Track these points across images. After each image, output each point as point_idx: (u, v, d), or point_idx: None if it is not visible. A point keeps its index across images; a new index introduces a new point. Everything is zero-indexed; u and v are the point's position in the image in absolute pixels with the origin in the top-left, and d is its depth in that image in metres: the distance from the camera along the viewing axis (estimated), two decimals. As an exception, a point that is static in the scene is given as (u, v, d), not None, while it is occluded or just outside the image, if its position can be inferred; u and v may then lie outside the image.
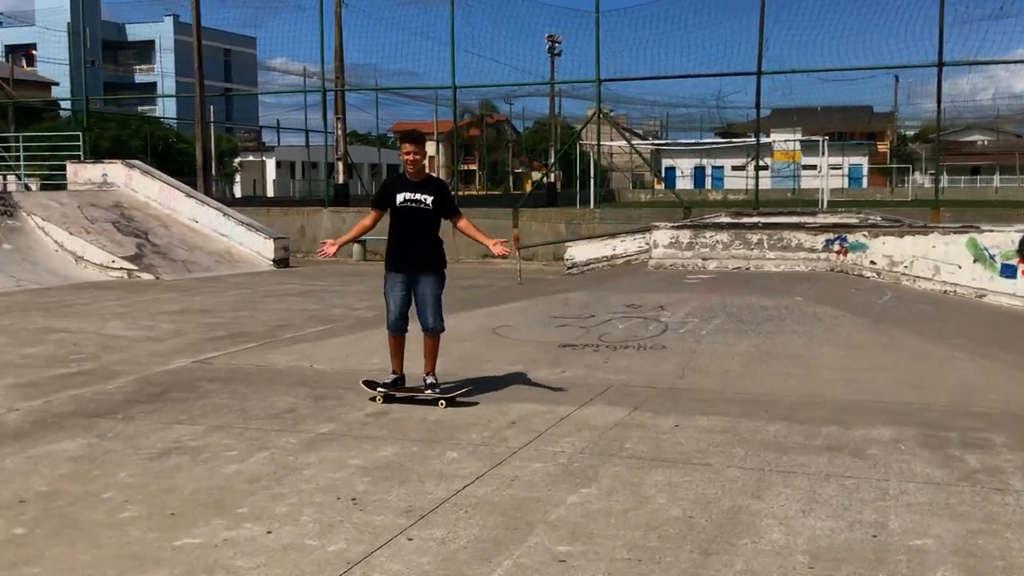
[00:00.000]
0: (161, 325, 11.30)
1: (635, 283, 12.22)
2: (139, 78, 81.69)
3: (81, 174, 21.27)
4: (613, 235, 17.17)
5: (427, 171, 7.16)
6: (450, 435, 6.29)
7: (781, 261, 13.25)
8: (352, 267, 20.49)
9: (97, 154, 35.93)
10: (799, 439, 6.16)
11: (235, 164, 55.50)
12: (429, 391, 7.15)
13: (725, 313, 9.87)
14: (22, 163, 24.03)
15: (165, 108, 70.22)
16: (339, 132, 26.89)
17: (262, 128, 58.10)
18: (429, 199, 7.03)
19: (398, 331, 7.21)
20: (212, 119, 47.99)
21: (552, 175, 57.94)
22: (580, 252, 16.98)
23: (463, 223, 7.18)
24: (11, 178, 27.72)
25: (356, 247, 22.01)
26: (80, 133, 23.88)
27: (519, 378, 7.90)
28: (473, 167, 77.01)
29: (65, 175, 21.83)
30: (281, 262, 19.90)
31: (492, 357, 8.62)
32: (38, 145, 28.95)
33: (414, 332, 7.27)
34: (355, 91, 38.27)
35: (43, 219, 17.90)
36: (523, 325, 9.83)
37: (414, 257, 7.03)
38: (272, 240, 19.87)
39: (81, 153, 23.04)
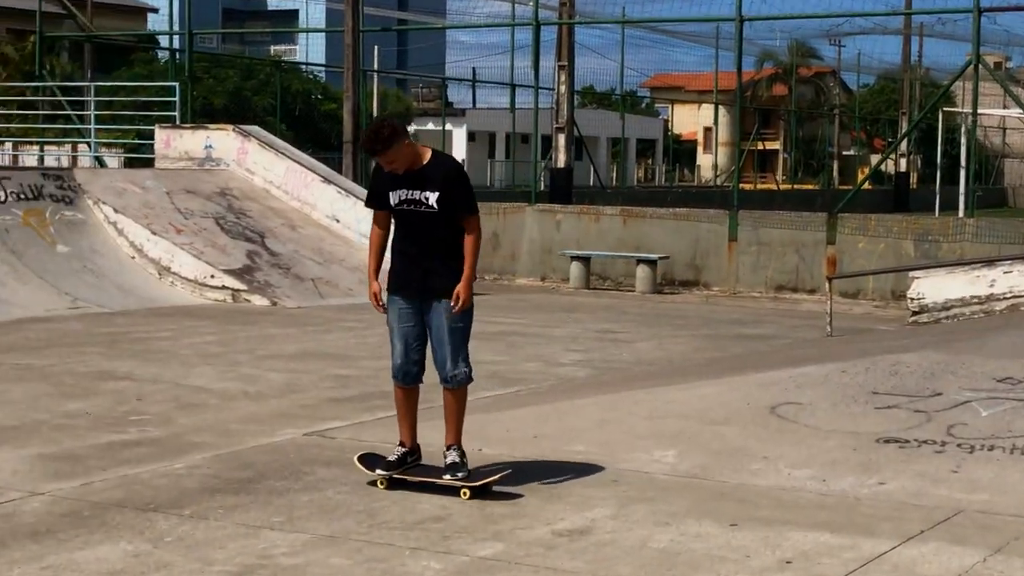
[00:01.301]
0: (269, 376, 11.78)
1: (1018, 342, 11.71)
2: (274, 3, 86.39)
3: (175, 144, 22.62)
4: (991, 262, 16.58)
5: (423, 153, 7.38)
6: (683, 575, 6.17)
7: None
8: (568, 298, 20.71)
9: (208, 115, 38.20)
10: None
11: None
12: (448, 475, 7.45)
13: None
14: (93, 126, 25.75)
15: (309, 49, 73.83)
16: (561, 88, 27.31)
17: (447, 82, 59.91)
18: (432, 196, 7.32)
19: (407, 380, 7.61)
20: (375, 67, 49.99)
21: (904, 160, 56.65)
22: (935, 288, 16.51)
23: (469, 233, 7.39)
24: (81, 147, 29.86)
25: (574, 269, 22.24)
26: (176, 84, 25.30)
27: (805, 489, 7.71)
28: (774, 145, 76.50)
29: (153, 146, 23.21)
30: (459, 286, 20.36)
31: (766, 452, 8.47)
32: (121, 101, 31.08)
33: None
34: (588, 25, 38.94)
35: (116, 211, 19.12)
36: (822, 403, 9.66)
37: (420, 275, 7.41)
38: (447, 252, 20.38)
39: (176, 113, 24.44)
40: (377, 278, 7.58)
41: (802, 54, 67.69)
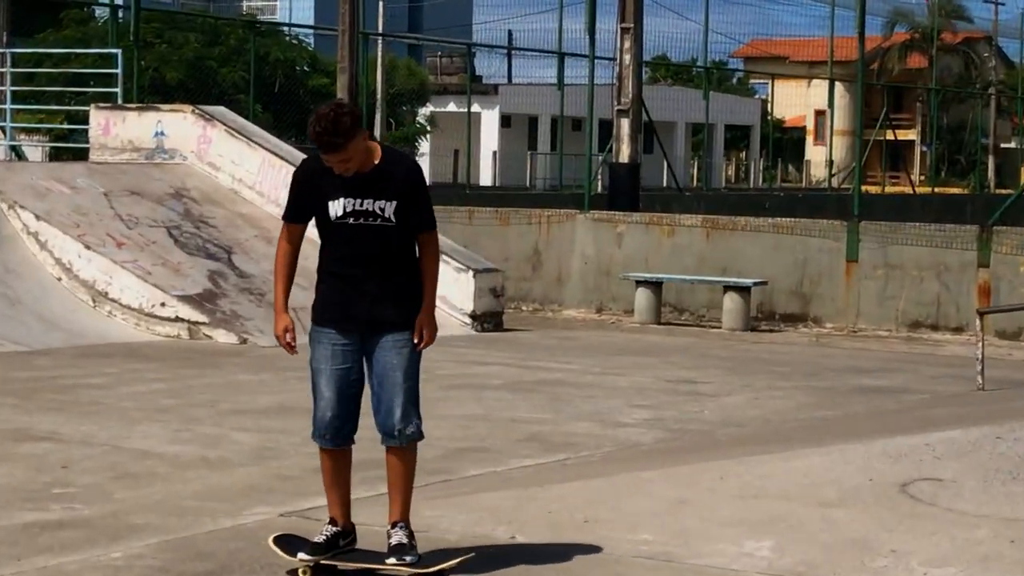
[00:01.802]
0: (235, 437, 11.79)
1: None
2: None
3: (117, 130, 22.74)
4: None
5: (373, 149, 7.51)
6: None
7: None
8: (632, 336, 20.65)
9: (160, 92, 38.33)
10: None
11: (421, 120, 57.67)
12: (393, 559, 7.53)
13: None
14: (9, 106, 25.83)
15: (294, 7, 74.19)
16: (626, 58, 27.32)
17: (475, 49, 60.11)
18: (390, 206, 7.44)
19: (337, 440, 7.71)
20: (379, 28, 50.03)
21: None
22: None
23: (430, 254, 7.63)
24: (-7, 135, 29.89)
25: (640, 298, 22.19)
26: (119, 51, 25.40)
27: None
28: (909, 135, 76.34)
29: (87, 132, 23.27)
30: (487, 319, 20.39)
31: (893, 545, 8.43)
32: (46, 73, 31.20)
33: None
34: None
35: (37, 218, 19.18)
36: (969, 480, 9.61)
37: (367, 303, 7.53)
38: (472, 274, 20.40)
39: (119, 90, 24.54)
40: (287, 310, 7.65)
41: (947, 14, 67.67)
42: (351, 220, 7.44)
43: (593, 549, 8.37)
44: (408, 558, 7.48)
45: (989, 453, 10.12)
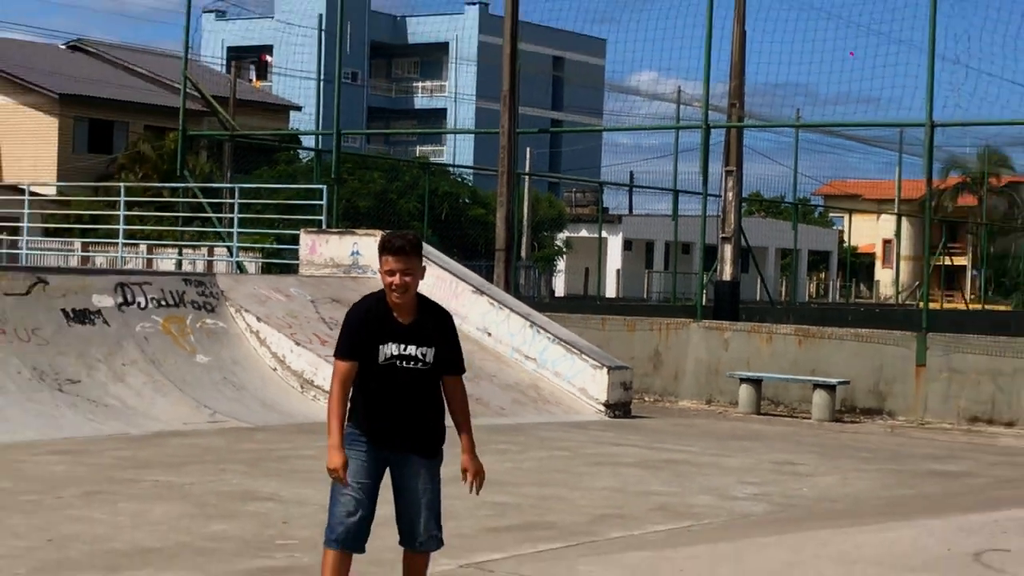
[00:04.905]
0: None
1: None
2: (421, 102, 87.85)
3: (321, 249, 23.09)
4: None
5: (417, 300, 7.18)
6: None
7: None
8: (737, 424, 20.56)
9: (351, 217, 38.95)
10: None
11: (559, 243, 57.98)
12: None
13: None
14: (236, 230, 26.43)
15: (457, 150, 75.04)
16: (729, 195, 27.38)
17: (604, 186, 60.43)
18: (430, 352, 7.16)
19: (353, 545, 7.29)
20: (527, 168, 50.51)
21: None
22: None
23: (460, 394, 7.25)
24: (220, 251, 30.56)
25: (744, 392, 22.08)
26: (323, 187, 25.86)
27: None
28: (961, 261, 75.48)
29: (297, 251, 23.72)
30: (618, 408, 20.38)
31: (971, 605, 8.31)
32: (262, 204, 31.86)
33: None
34: (758, 128, 39.00)
35: (258, 320, 19.51)
36: (1034, 550, 9.46)
37: (407, 427, 7.19)
38: (606, 371, 20.44)
39: (323, 217, 24.96)
40: (341, 447, 7.09)
41: (993, 163, 66.92)
42: (397, 364, 7.11)
43: (721, 602, 8.34)
44: None
45: (1047, 529, 10.01)
